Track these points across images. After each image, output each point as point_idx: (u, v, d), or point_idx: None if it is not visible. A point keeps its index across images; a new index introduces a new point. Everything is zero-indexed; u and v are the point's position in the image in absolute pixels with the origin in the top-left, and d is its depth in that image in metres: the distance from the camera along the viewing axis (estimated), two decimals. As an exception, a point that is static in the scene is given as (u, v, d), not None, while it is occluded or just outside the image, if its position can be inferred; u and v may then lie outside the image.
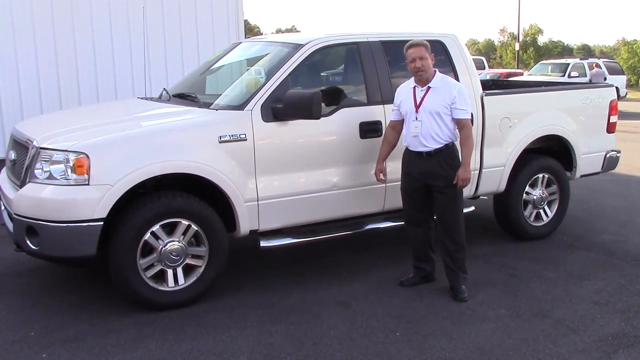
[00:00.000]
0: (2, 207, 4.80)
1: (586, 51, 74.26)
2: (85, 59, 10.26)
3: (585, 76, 22.80)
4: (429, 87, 4.62)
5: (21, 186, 4.30)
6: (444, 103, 4.56)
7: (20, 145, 4.67)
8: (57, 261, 4.53)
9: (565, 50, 70.54)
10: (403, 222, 5.13)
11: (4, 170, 5.07)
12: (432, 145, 4.61)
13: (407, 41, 4.71)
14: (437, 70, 4.69)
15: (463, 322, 4.31)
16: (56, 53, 10.01)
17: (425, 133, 4.60)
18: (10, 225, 4.47)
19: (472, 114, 4.78)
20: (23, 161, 4.43)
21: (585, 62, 24.64)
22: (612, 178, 8.80)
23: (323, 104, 4.67)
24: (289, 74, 4.82)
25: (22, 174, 4.36)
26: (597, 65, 23.31)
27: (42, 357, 3.80)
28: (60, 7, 10.00)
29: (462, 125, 4.60)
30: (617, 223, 6.86)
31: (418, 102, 4.63)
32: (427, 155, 4.63)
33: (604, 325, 4.29)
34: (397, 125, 4.87)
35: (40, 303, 4.59)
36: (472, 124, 4.73)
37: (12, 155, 4.76)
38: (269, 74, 4.86)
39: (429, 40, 4.75)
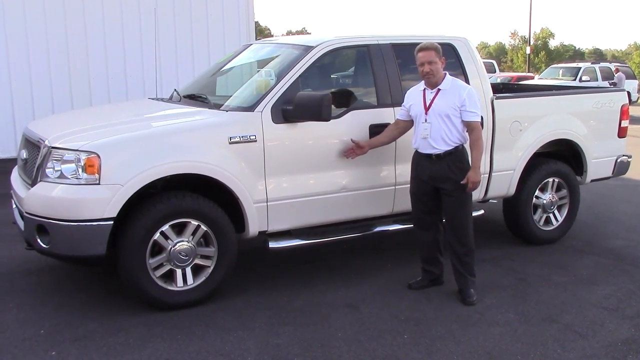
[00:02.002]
0: (14, 206, 4.84)
1: (598, 55, 73.95)
2: (96, 59, 10.35)
3: (597, 80, 22.71)
4: (439, 90, 4.63)
5: (32, 185, 4.33)
6: (454, 105, 4.56)
7: (31, 144, 4.70)
8: (67, 260, 4.56)
9: (576, 54, 70.35)
10: (412, 225, 5.13)
11: (15, 169, 5.11)
12: (442, 148, 4.61)
13: (418, 44, 4.71)
14: (447, 73, 4.70)
15: (471, 326, 4.30)
16: (68, 54, 10.10)
17: (435, 135, 4.61)
18: (21, 223, 4.50)
19: (482, 117, 4.78)
20: (34, 160, 4.46)
21: (596, 66, 24.52)
22: (623, 183, 8.75)
23: (333, 106, 4.67)
24: (299, 75, 4.84)
25: (33, 173, 4.40)
26: (616, 70, 23.21)
27: (52, 355, 3.82)
28: (72, 8, 10.08)
29: (472, 128, 4.60)
30: (627, 228, 6.82)
31: (428, 104, 4.64)
32: (437, 158, 4.64)
33: (613, 331, 4.27)
34: (400, 123, 4.90)
35: (50, 301, 4.62)
36: (482, 127, 4.70)
37: (24, 154, 4.80)
38: (280, 76, 4.88)
39: (439, 44, 4.74)
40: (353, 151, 4.88)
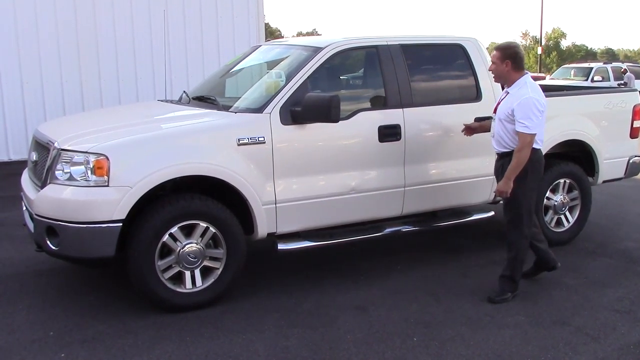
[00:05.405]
0: (24, 208, 4.86)
1: (610, 55, 73.52)
2: (107, 61, 10.40)
3: (609, 80, 22.55)
4: (507, 92, 4.71)
5: (42, 187, 4.34)
6: (507, 111, 4.59)
7: (41, 146, 4.72)
8: (77, 262, 4.58)
9: (588, 54, 69.98)
10: (421, 227, 5.12)
11: (25, 171, 5.13)
12: (498, 149, 4.75)
13: (427, 45, 4.72)
14: (523, 76, 4.65)
15: (481, 328, 4.27)
16: (79, 55, 10.16)
17: (496, 135, 4.75)
18: (31, 225, 4.52)
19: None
20: (44, 162, 4.48)
21: (608, 66, 24.35)
22: (635, 184, 8.66)
23: (342, 108, 4.65)
24: (308, 77, 4.83)
25: (43, 174, 4.41)
26: (625, 71, 23.03)
27: (61, 356, 3.83)
28: (83, 10, 10.13)
29: (518, 137, 4.56)
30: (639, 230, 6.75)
31: (497, 104, 4.77)
32: (499, 156, 4.78)
33: (625, 334, 4.22)
34: None
35: (59, 303, 4.64)
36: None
37: (34, 156, 4.82)
38: (288, 77, 4.87)
39: (448, 44, 4.74)
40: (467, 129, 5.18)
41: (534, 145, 4.61)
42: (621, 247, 6.13)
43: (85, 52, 10.21)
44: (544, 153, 5.71)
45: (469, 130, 5.20)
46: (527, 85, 4.60)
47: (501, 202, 5.92)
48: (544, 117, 4.63)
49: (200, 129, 4.62)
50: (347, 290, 4.93)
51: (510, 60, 4.62)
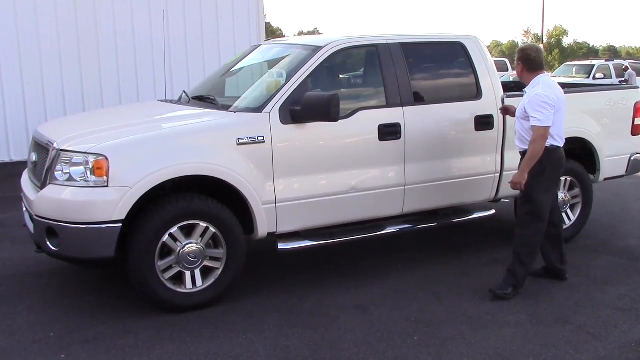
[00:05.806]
0: (24, 209, 4.85)
1: (612, 52, 73.43)
2: (107, 61, 10.39)
3: (611, 77, 22.51)
4: (525, 92, 4.82)
5: (42, 188, 4.34)
6: (522, 109, 4.71)
7: (41, 147, 4.72)
8: (77, 262, 4.57)
9: (590, 52, 69.90)
10: (422, 226, 5.10)
11: (25, 171, 5.13)
12: (521, 146, 4.83)
13: (427, 43, 4.71)
14: (539, 75, 4.74)
15: (482, 327, 4.26)
16: (79, 56, 10.14)
17: (517, 134, 4.86)
18: (31, 226, 4.51)
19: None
20: (44, 163, 4.47)
21: (610, 63, 24.31)
22: (637, 182, 8.63)
23: (342, 106, 4.64)
24: (307, 76, 4.81)
25: (42, 175, 4.40)
26: (626, 68, 22.98)
27: (61, 357, 3.83)
28: (83, 10, 10.13)
29: (532, 130, 4.64)
30: (642, 227, 6.72)
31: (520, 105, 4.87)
32: (521, 154, 4.84)
33: (627, 332, 4.21)
34: None
35: (60, 304, 4.63)
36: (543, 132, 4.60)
37: (34, 157, 4.82)
38: (288, 77, 4.86)
39: (448, 42, 4.73)
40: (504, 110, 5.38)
41: (554, 143, 4.69)
42: (623, 244, 6.11)
43: (86, 52, 10.20)
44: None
45: (505, 111, 5.37)
46: (540, 84, 4.69)
47: (503, 200, 5.96)
48: (562, 113, 4.71)
49: (199, 129, 4.62)
50: (347, 289, 4.92)
51: (521, 62, 4.80)
